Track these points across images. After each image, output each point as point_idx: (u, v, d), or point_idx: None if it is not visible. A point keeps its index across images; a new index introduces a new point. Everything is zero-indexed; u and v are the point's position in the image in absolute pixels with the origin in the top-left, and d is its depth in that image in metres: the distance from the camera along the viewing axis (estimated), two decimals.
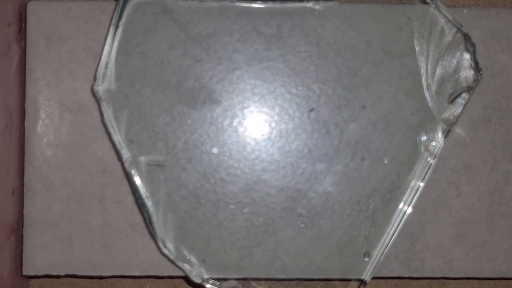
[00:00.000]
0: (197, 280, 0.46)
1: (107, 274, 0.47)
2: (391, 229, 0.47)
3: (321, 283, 0.47)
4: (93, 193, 0.47)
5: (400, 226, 0.47)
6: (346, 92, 0.47)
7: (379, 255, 0.46)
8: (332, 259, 0.47)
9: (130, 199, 0.47)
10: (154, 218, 0.46)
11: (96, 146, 0.47)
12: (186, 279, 0.47)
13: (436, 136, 0.47)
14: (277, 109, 0.47)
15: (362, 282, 0.47)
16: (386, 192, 0.47)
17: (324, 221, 0.47)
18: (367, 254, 0.47)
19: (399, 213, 0.47)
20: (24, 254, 0.47)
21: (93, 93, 0.46)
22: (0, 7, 0.44)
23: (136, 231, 0.47)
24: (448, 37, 0.47)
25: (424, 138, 0.47)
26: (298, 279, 0.47)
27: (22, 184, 0.47)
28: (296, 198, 0.47)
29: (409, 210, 0.47)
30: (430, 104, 0.47)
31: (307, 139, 0.47)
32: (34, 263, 0.47)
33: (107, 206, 0.47)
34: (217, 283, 0.46)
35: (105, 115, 0.45)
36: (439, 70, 0.47)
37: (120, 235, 0.47)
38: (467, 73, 0.47)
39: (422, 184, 0.47)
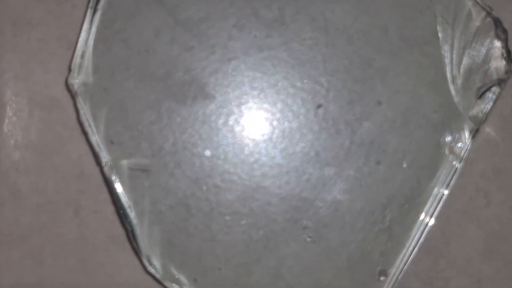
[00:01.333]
0: None
1: None
2: (410, 244, 0.42)
3: None
4: (68, 202, 0.43)
5: (421, 240, 0.42)
6: (358, 86, 0.43)
7: (397, 273, 0.42)
8: (343, 278, 0.42)
9: (110, 208, 0.43)
10: (138, 230, 0.41)
11: (71, 147, 0.43)
12: None
13: (463, 136, 0.42)
14: (279, 105, 0.42)
15: None
16: (405, 201, 0.42)
17: (333, 234, 0.42)
18: (383, 272, 0.42)
19: (420, 224, 0.42)
20: None
21: (68, 87, 0.41)
22: None
23: (117, 246, 0.43)
24: (476, 22, 0.42)
25: (448, 138, 0.42)
26: None
27: None
28: (301, 208, 0.42)
29: (432, 221, 0.42)
30: (456, 99, 0.42)
31: (313, 140, 0.42)
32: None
33: (83, 216, 0.43)
34: None
35: (81, 112, 0.41)
36: (465, 60, 0.42)
37: (99, 250, 0.43)
38: (497, 64, 0.42)
39: (446, 192, 0.42)
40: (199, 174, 0.42)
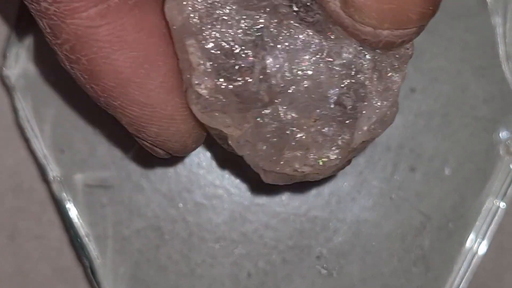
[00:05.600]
0: None
1: None
2: (456, 277, 0.33)
3: None
4: (1, 224, 0.34)
5: (469, 271, 0.33)
6: None
7: None
8: None
9: (57, 232, 0.34)
10: (100, 268, 0.33)
11: (7, 156, 0.34)
12: None
13: None
14: None
15: None
16: (448, 219, 0.33)
17: (354, 265, 0.33)
18: None
19: (468, 251, 0.33)
20: None
21: (2, 80, 0.33)
22: None
23: (65, 282, 0.34)
24: None
25: (503, 135, 0.34)
26: None
27: None
28: (311, 231, 0.33)
29: (483, 246, 0.33)
30: None
31: None
32: None
33: (21, 243, 0.34)
34: None
35: (21, 112, 0.33)
36: None
37: None
38: None
39: (503, 205, 0.33)
40: (173, 188, 0.34)
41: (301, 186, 0.33)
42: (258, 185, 0.33)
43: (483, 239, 0.33)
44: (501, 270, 0.34)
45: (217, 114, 0.21)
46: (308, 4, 0.19)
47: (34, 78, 0.33)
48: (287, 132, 0.21)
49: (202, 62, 0.20)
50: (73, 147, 0.33)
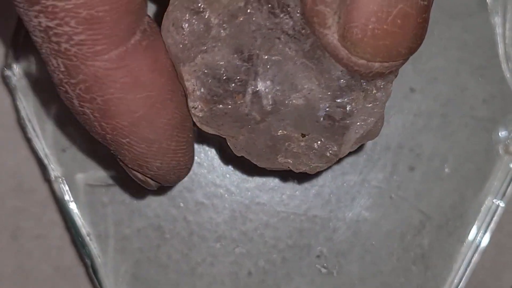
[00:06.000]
0: None
1: None
2: (455, 276, 0.32)
3: None
4: (3, 223, 0.33)
5: (468, 270, 0.33)
6: None
7: None
8: None
9: (58, 232, 0.33)
10: (101, 267, 0.32)
11: (9, 156, 0.33)
12: None
13: None
14: None
15: None
16: (447, 218, 0.32)
17: (354, 264, 0.32)
18: None
19: (467, 250, 0.33)
20: None
21: (4, 79, 0.32)
22: None
23: (67, 281, 0.33)
24: None
25: (502, 134, 0.33)
26: None
27: None
28: (311, 230, 0.32)
29: (483, 245, 0.33)
30: (511, 85, 0.33)
31: None
32: None
33: (23, 243, 0.33)
34: None
35: (23, 112, 0.32)
36: None
37: (43, 286, 0.33)
38: None
39: (502, 204, 0.33)
40: (174, 187, 0.33)
41: (301, 185, 0.32)
42: (258, 185, 0.32)
43: (482, 238, 0.32)
44: (500, 268, 0.34)
45: (214, 128, 0.21)
46: (299, 31, 0.19)
47: (36, 78, 0.33)
48: (279, 145, 0.21)
49: (196, 87, 0.20)
50: (74, 146, 0.32)
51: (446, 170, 0.32)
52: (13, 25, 0.32)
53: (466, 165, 0.33)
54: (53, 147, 0.32)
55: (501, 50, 0.33)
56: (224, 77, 0.20)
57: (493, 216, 0.32)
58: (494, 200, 0.32)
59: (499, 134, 0.33)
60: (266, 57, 0.20)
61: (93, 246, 0.32)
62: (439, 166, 0.32)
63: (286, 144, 0.21)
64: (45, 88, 0.32)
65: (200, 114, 0.21)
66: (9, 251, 0.33)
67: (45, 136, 0.32)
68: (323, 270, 0.32)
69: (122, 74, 0.19)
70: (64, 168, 0.32)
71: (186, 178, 0.32)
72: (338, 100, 0.20)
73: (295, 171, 0.22)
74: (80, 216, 0.32)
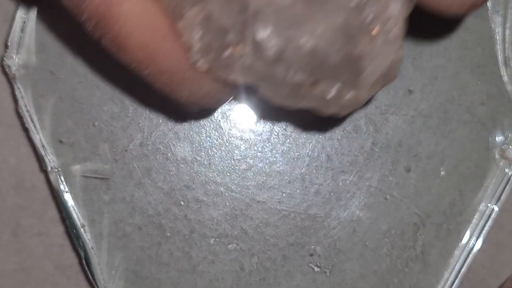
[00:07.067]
0: None
1: None
2: (449, 276, 0.33)
3: None
4: (4, 221, 0.34)
5: (463, 269, 0.33)
6: None
7: None
8: None
9: (59, 229, 0.34)
10: (94, 258, 0.32)
11: (8, 149, 0.34)
12: None
13: None
14: None
15: None
16: (443, 220, 0.33)
17: (349, 263, 0.33)
18: None
19: (462, 251, 0.33)
20: None
21: (3, 69, 0.32)
22: None
23: (67, 278, 0.34)
24: None
25: (499, 138, 0.34)
26: None
27: None
28: (309, 228, 0.33)
29: (478, 246, 0.33)
30: (509, 87, 0.33)
31: (325, 140, 0.33)
32: None
33: (24, 240, 0.34)
34: None
35: (21, 102, 0.32)
36: None
37: (44, 284, 0.34)
38: None
39: (496, 208, 0.33)
40: (175, 185, 0.33)
41: (301, 185, 0.33)
42: (258, 184, 0.33)
43: (478, 236, 0.33)
44: (500, 267, 0.35)
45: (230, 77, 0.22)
46: None
47: (35, 69, 0.33)
48: (296, 92, 0.21)
49: (194, 41, 0.21)
50: (72, 138, 0.33)
51: (444, 169, 0.33)
52: (12, 14, 0.32)
53: (464, 164, 0.33)
54: (50, 138, 0.33)
55: (500, 52, 0.33)
56: (220, 29, 0.20)
57: (490, 216, 0.33)
58: (490, 205, 0.33)
59: (496, 138, 0.33)
60: (263, 3, 0.19)
61: (93, 245, 0.32)
62: (437, 165, 0.33)
63: (303, 90, 0.21)
64: (44, 79, 0.32)
65: (205, 66, 0.21)
66: (10, 248, 0.33)
67: (42, 127, 0.33)
68: (323, 268, 0.33)
69: (126, 9, 0.20)
70: (61, 160, 0.32)
71: (186, 176, 0.33)
72: (349, 41, 0.20)
73: (323, 115, 0.22)
74: (75, 207, 0.32)
